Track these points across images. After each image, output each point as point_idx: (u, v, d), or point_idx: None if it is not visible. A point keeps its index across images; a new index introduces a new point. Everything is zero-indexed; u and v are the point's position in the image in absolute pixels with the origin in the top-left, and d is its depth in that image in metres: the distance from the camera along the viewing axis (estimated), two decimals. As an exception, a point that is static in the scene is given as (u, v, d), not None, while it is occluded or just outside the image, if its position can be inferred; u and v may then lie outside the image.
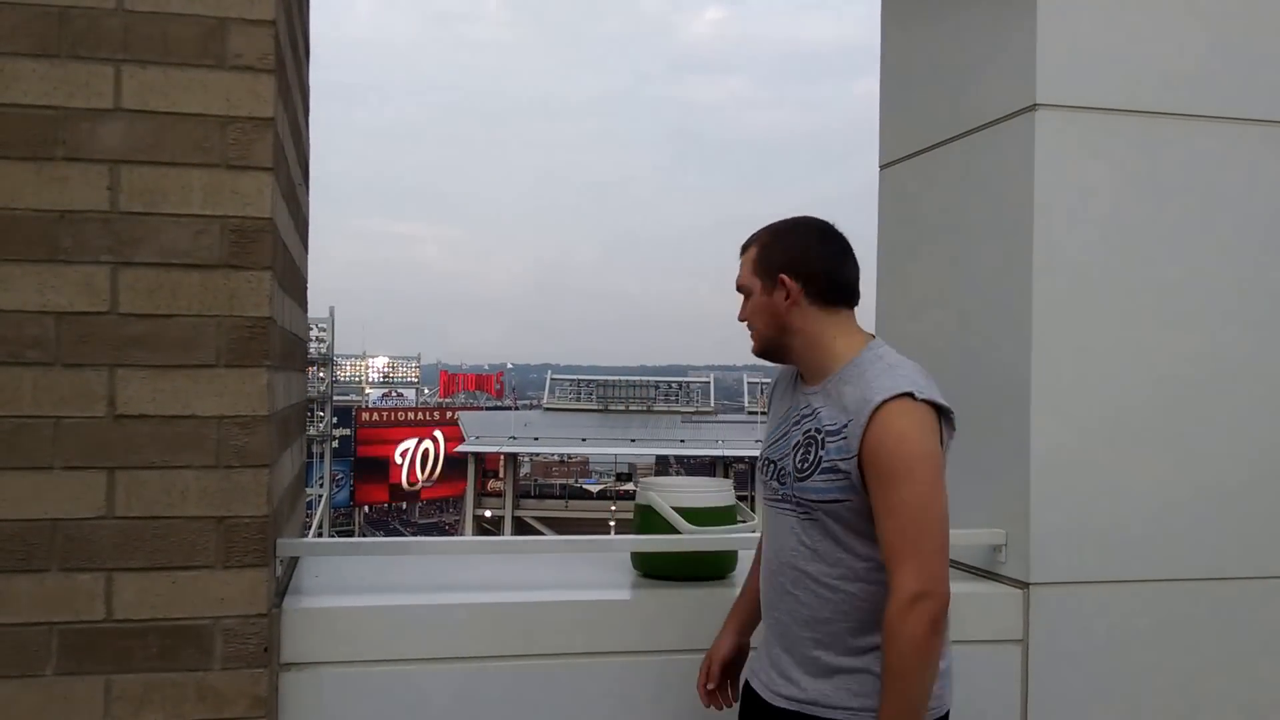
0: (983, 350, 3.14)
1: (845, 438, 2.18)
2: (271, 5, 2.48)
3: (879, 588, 2.19)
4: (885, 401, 2.14)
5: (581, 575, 3.10)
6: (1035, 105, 2.94)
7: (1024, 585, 2.94)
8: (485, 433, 44.45)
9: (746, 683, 2.48)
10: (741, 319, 2.40)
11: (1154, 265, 3.01)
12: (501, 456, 42.49)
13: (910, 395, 2.15)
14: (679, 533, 2.91)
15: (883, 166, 3.80)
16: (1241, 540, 3.05)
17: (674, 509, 2.94)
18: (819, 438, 2.24)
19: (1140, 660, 2.99)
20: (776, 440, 2.38)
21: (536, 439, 44.39)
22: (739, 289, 2.40)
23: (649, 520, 2.98)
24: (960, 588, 3.03)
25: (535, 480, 46.69)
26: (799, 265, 2.31)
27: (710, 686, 2.53)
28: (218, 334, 2.45)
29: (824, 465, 2.20)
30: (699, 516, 2.93)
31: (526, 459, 45.59)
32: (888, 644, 2.10)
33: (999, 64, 3.11)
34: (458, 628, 2.71)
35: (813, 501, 2.23)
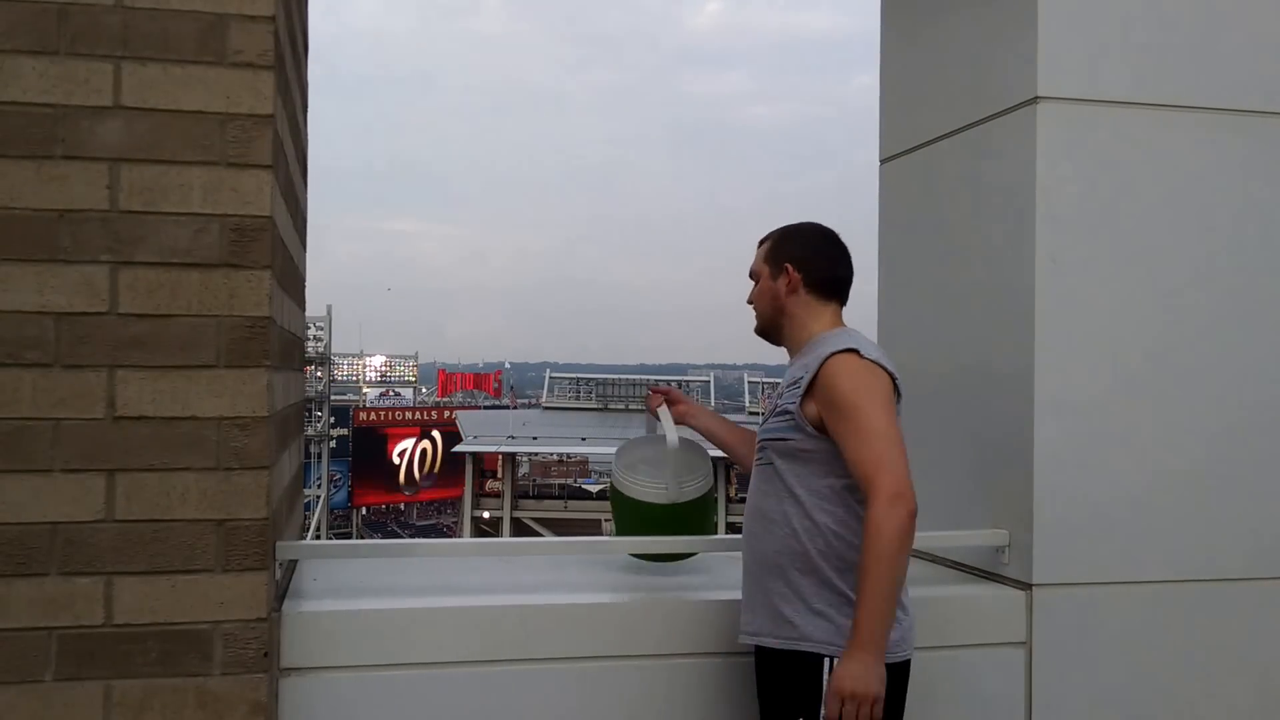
0: (985, 347, 3.13)
1: (798, 386, 2.52)
2: (271, 1, 2.46)
3: (811, 531, 2.50)
4: (834, 354, 2.48)
5: (581, 578, 3.08)
6: (1037, 98, 2.93)
7: (1027, 587, 2.93)
8: (483, 432, 44.38)
9: None
10: (749, 301, 2.76)
11: (1158, 259, 3.00)
12: (500, 456, 42.44)
13: (856, 352, 2.49)
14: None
15: (883, 161, 3.79)
16: (1246, 542, 3.04)
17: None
18: (782, 391, 2.60)
19: (1145, 662, 2.98)
20: (769, 416, 2.68)
21: (535, 438, 44.32)
22: (751, 275, 2.76)
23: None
24: (963, 589, 3.04)
25: (534, 480, 46.64)
26: (802, 258, 2.67)
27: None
28: (217, 334, 2.43)
29: (778, 410, 2.57)
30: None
31: (525, 459, 45.53)
32: (870, 539, 2.33)
33: (1000, 57, 3.10)
34: (457, 631, 2.69)
35: (769, 441, 2.58)
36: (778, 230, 2.77)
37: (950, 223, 3.35)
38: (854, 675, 2.31)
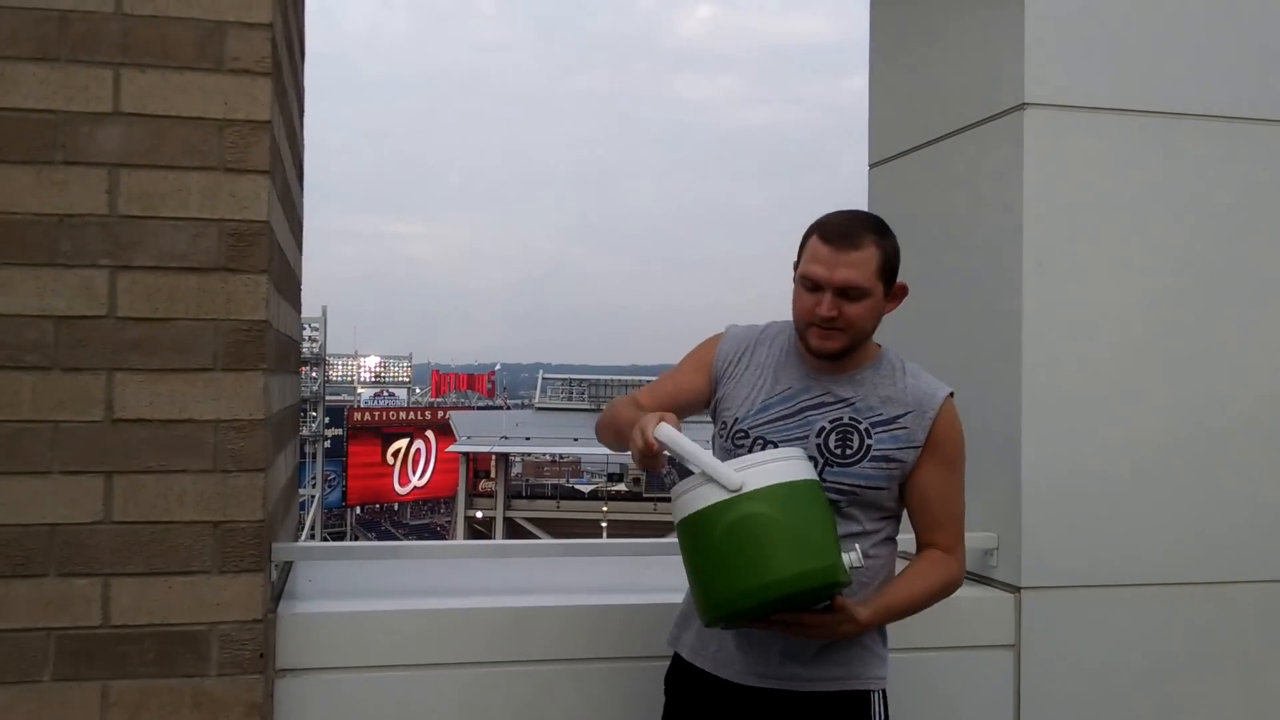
0: (973, 351, 3.15)
1: (906, 428, 2.27)
2: (269, 8, 2.48)
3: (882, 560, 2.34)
4: (945, 399, 2.31)
5: (576, 579, 3.10)
6: (1024, 104, 2.96)
7: (1015, 589, 2.95)
8: (477, 433, 44.37)
9: (695, 668, 2.37)
10: (851, 316, 2.22)
11: (1145, 264, 3.03)
12: (493, 456, 42.43)
13: (951, 394, 2.33)
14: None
15: (872, 165, 3.81)
16: (1235, 544, 3.06)
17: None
18: (861, 427, 2.28)
19: (1133, 665, 3.00)
20: (778, 419, 2.31)
21: (528, 438, 44.32)
22: (852, 289, 2.21)
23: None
24: (952, 592, 3.05)
25: (527, 480, 46.63)
26: (897, 269, 2.31)
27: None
28: (215, 337, 2.45)
29: (874, 454, 2.26)
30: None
31: (518, 459, 45.53)
32: (939, 582, 2.31)
33: (988, 63, 3.12)
34: (453, 633, 2.71)
35: (859, 487, 2.26)
36: (873, 231, 2.25)
37: (938, 227, 3.37)
38: (847, 629, 2.17)
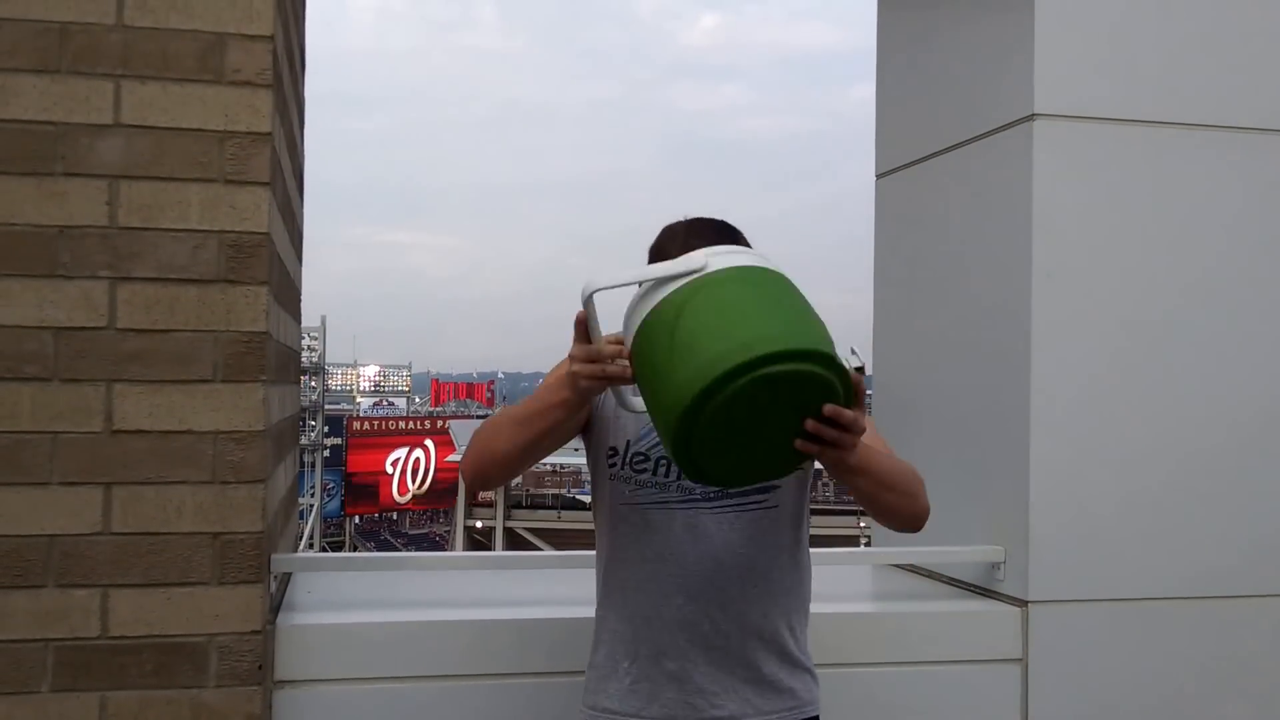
0: (981, 363, 3.14)
1: None
2: (270, 20, 2.48)
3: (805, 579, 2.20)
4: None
5: (576, 591, 3.09)
6: (1034, 115, 2.95)
7: (1023, 603, 2.93)
8: (477, 442, 44.22)
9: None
10: None
11: (1154, 276, 3.01)
12: (493, 466, 42.26)
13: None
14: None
15: (879, 175, 3.81)
16: (1243, 558, 3.04)
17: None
18: None
19: (1142, 680, 2.98)
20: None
21: (528, 448, 44.20)
22: None
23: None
24: (958, 605, 3.04)
25: (527, 490, 46.55)
26: None
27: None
28: (214, 349, 2.45)
29: None
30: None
31: (518, 469, 45.39)
32: (904, 464, 2.09)
33: (997, 73, 3.12)
34: (452, 644, 2.69)
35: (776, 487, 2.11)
36: (714, 239, 2.00)
37: (946, 238, 3.37)
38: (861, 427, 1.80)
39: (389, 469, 46.87)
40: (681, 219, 2.16)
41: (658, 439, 2.04)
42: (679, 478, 2.10)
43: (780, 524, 2.14)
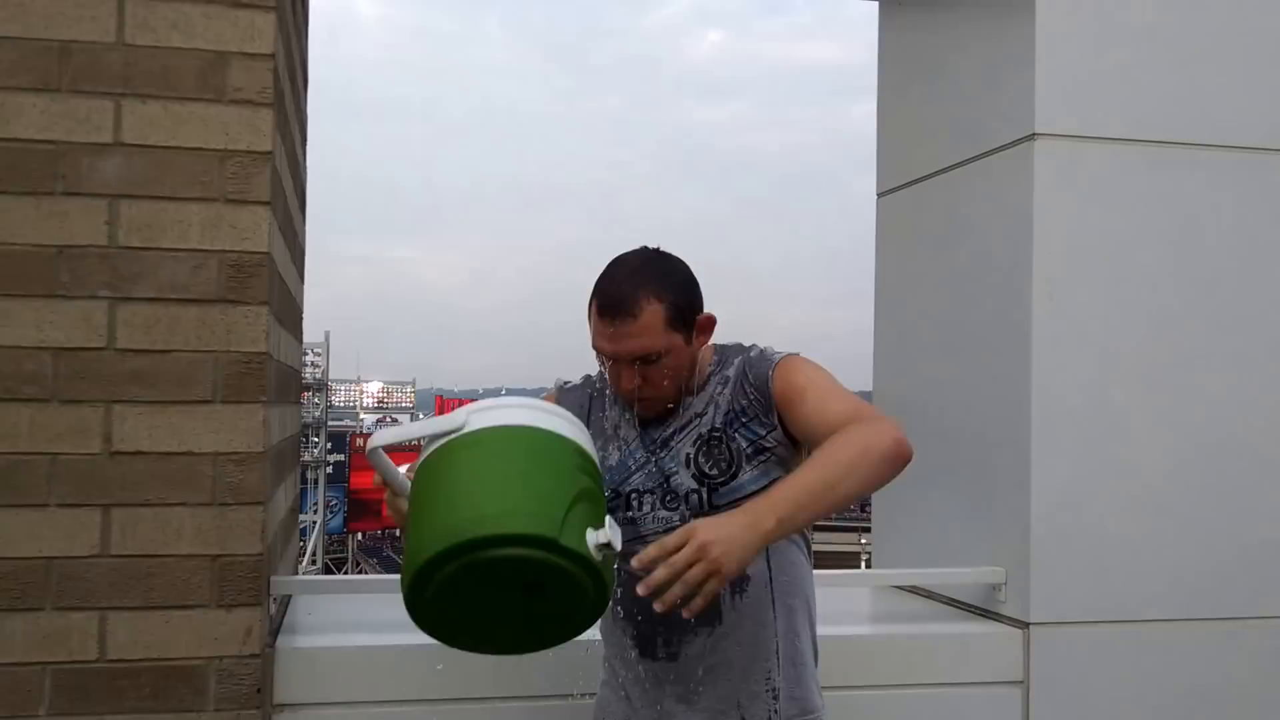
0: (982, 384, 3.13)
1: (756, 413, 2.05)
2: (271, 39, 2.48)
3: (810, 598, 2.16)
4: (783, 358, 2.06)
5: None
6: (1034, 134, 2.94)
7: (1024, 625, 2.92)
8: (480, 458, 44.14)
9: None
10: (657, 379, 2.03)
11: (1155, 295, 3.00)
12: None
13: (794, 355, 2.09)
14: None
15: (880, 194, 3.80)
16: (1245, 580, 3.03)
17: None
18: (719, 431, 2.07)
19: (1144, 703, 2.96)
20: (644, 465, 2.12)
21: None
22: (649, 356, 2.00)
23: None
24: (958, 627, 3.02)
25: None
26: (697, 299, 2.07)
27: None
28: (214, 369, 2.43)
29: (745, 453, 2.05)
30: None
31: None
32: (855, 444, 1.86)
33: (998, 93, 3.11)
34: (454, 668, 2.67)
35: (751, 495, 2.00)
36: (650, 284, 2.01)
37: (947, 257, 3.36)
38: (725, 534, 1.71)
39: (392, 485, 46.78)
40: (632, 250, 2.10)
41: (624, 475, 2.11)
42: (657, 507, 2.10)
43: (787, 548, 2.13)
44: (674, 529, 1.78)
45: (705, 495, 2.06)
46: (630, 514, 2.12)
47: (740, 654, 2.09)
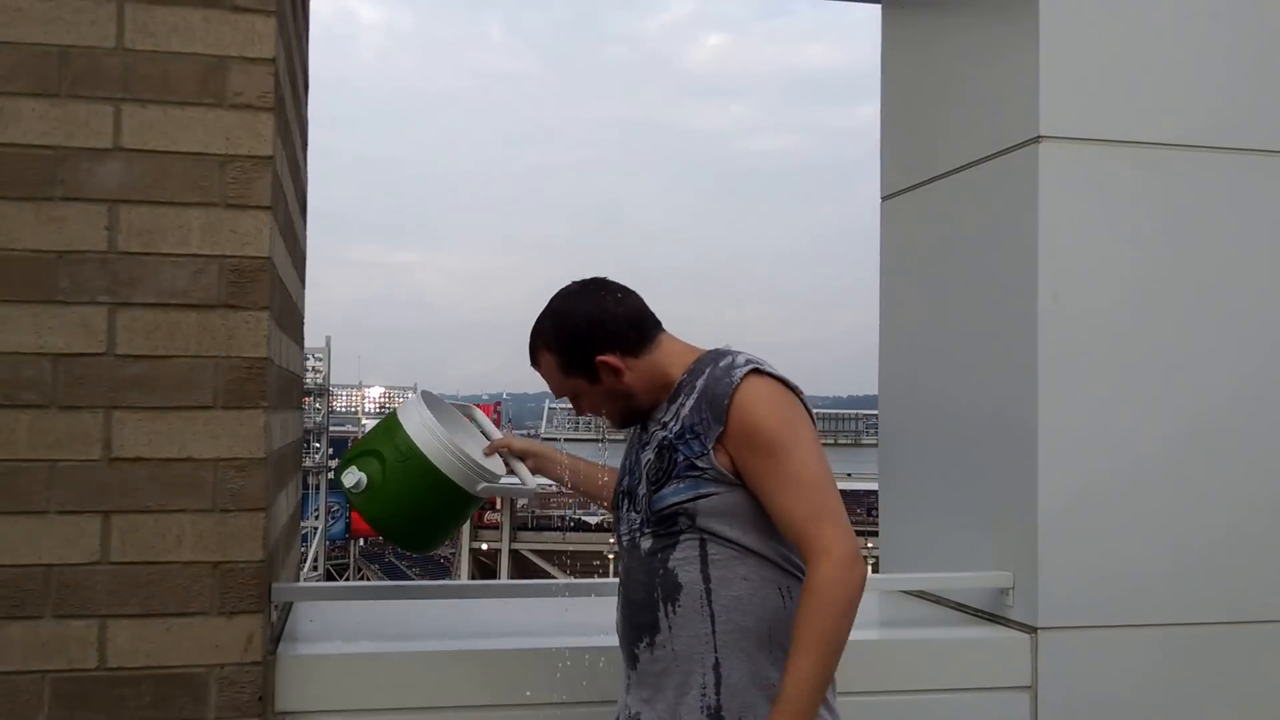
0: (988, 388, 3.11)
1: (699, 433, 2.06)
2: (272, 43, 2.46)
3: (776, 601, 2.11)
4: (740, 381, 2.04)
5: (582, 620, 3.05)
6: (1039, 137, 2.93)
7: (1032, 630, 2.90)
8: (483, 464, 44.13)
9: None
10: (594, 410, 2.25)
11: (1162, 299, 2.99)
12: (499, 488, 42.19)
13: (757, 370, 2.07)
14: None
15: (884, 198, 3.79)
16: (1253, 584, 3.01)
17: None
18: (671, 443, 2.11)
19: (1153, 707, 2.94)
20: (625, 470, 2.27)
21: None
22: (566, 396, 2.27)
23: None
24: (966, 632, 3.01)
25: (533, 512, 46.43)
26: (602, 339, 2.16)
27: None
28: (215, 375, 2.42)
29: (682, 467, 2.08)
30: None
31: (524, 490, 45.27)
32: (818, 596, 1.92)
33: (1002, 96, 3.10)
34: (456, 675, 2.66)
35: (676, 507, 2.08)
36: (541, 336, 2.22)
37: (952, 262, 3.34)
38: None
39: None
40: (562, 288, 2.26)
41: (619, 477, 2.31)
42: (628, 510, 2.24)
43: (720, 548, 2.12)
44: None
45: (648, 502, 2.15)
46: (618, 513, 2.29)
47: (676, 666, 2.11)
